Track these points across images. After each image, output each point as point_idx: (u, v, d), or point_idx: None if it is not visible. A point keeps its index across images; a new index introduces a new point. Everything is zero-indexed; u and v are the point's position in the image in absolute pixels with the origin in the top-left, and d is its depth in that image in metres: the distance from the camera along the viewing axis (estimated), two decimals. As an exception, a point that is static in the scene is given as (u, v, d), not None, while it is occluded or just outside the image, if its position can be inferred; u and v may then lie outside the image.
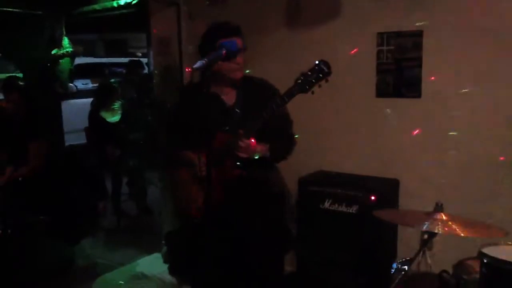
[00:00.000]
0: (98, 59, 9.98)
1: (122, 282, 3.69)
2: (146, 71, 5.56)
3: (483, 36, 2.75)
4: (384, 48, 3.07)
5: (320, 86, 2.16)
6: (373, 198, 2.83)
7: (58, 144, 5.04)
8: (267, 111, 2.21)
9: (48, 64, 5.02)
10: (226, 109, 2.43)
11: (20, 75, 5.34)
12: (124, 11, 4.59)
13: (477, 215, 2.20)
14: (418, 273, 2.37)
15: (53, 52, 5.03)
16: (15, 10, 4.72)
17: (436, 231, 1.84)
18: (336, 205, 2.97)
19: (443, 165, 2.93)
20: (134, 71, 5.54)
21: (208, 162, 2.30)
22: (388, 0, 3.02)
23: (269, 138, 2.34)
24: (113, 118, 5.10)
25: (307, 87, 2.15)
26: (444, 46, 2.87)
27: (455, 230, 1.84)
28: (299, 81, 2.16)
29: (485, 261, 1.77)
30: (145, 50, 9.42)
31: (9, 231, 3.00)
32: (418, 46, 2.94)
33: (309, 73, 2.15)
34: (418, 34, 2.94)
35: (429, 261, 2.24)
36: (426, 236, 1.90)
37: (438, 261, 2.26)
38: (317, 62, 2.16)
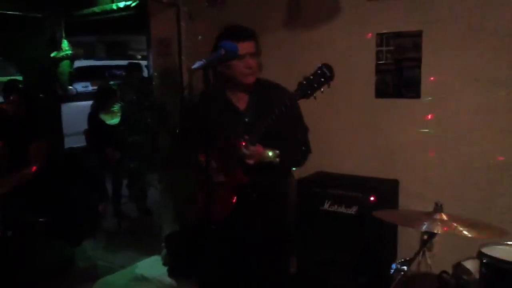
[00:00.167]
0: (98, 61, 10.00)
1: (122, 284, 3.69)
2: (145, 73, 5.56)
3: (482, 37, 2.74)
4: (384, 48, 3.07)
5: (322, 91, 2.11)
6: (372, 198, 2.82)
7: (58, 146, 5.04)
8: (270, 117, 2.18)
9: (48, 67, 5.03)
10: (237, 114, 2.40)
11: (20, 77, 5.35)
12: (123, 13, 4.61)
13: (476, 215, 2.20)
14: (418, 274, 2.37)
15: (53, 54, 5.05)
16: (15, 12, 4.73)
17: (435, 231, 1.83)
18: (336, 206, 2.96)
19: (443, 166, 2.93)
20: (133, 73, 5.53)
21: (218, 168, 2.31)
22: (387, 1, 3.02)
23: (278, 144, 2.29)
24: (113, 120, 5.10)
25: (309, 92, 2.10)
26: (443, 47, 2.87)
27: (455, 230, 1.83)
28: (301, 85, 2.12)
29: (484, 261, 1.76)
30: (145, 53, 9.44)
31: (9, 232, 2.99)
32: (418, 47, 2.94)
33: (311, 77, 2.10)
34: (417, 35, 2.93)
35: (429, 261, 2.24)
36: (425, 237, 1.90)
37: (438, 261, 2.25)
38: (319, 65, 2.10)
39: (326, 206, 2.99)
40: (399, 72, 3.03)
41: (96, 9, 4.73)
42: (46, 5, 4.86)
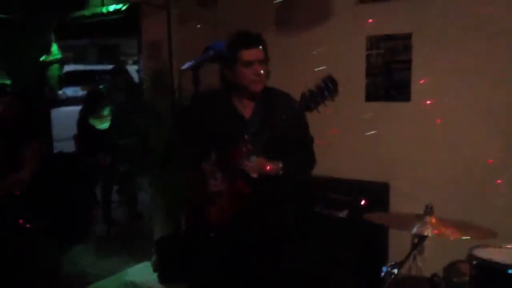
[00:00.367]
0: (88, 66, 9.97)
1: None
2: (135, 77, 5.51)
3: (472, 39, 2.75)
4: (374, 51, 3.07)
5: (326, 105, 2.05)
6: (363, 202, 2.82)
7: (47, 151, 4.99)
8: (271, 128, 2.14)
9: (37, 71, 4.99)
10: (242, 122, 2.35)
11: (9, 81, 5.29)
12: (114, 16, 4.58)
13: (467, 218, 2.19)
14: (409, 277, 2.36)
15: (42, 58, 5.00)
16: (3, 16, 4.69)
17: (426, 234, 1.83)
18: (327, 209, 2.95)
19: (434, 169, 2.93)
20: (116, 77, 5.46)
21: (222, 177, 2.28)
22: (377, 4, 3.03)
23: (284, 154, 2.25)
24: (103, 125, 5.06)
25: (312, 105, 2.04)
26: (433, 49, 2.87)
27: (445, 232, 1.83)
28: (304, 97, 2.06)
29: (474, 262, 1.75)
30: (136, 58, 9.41)
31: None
32: (408, 49, 2.95)
33: (315, 89, 2.04)
34: (407, 37, 2.94)
35: (420, 265, 2.23)
36: (416, 239, 1.89)
37: (429, 264, 2.25)
38: (323, 78, 2.04)
39: (317, 209, 2.98)
40: (389, 74, 3.03)
41: (86, 12, 4.70)
42: (35, 9, 4.83)
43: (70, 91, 8.51)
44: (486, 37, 2.71)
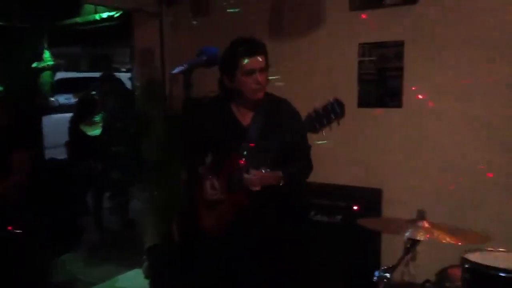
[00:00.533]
0: (80, 73, 9.93)
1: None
2: (123, 83, 5.48)
3: (463, 47, 2.78)
4: (366, 58, 3.09)
5: (331, 128, 1.99)
6: (356, 208, 2.82)
7: (38, 158, 4.95)
8: (277, 147, 2.10)
9: (29, 77, 4.97)
10: (241, 130, 2.31)
11: (0, 88, 5.26)
12: (107, 24, 4.59)
13: (459, 223, 2.20)
14: (402, 284, 2.36)
15: (34, 65, 4.99)
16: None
17: (418, 238, 1.83)
18: (320, 216, 2.95)
19: (426, 174, 2.94)
20: (107, 83, 5.44)
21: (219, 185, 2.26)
22: (369, 12, 3.05)
23: (284, 163, 2.21)
24: (94, 131, 5.03)
25: (318, 126, 1.97)
26: (425, 56, 2.90)
27: (438, 237, 1.83)
28: (310, 117, 1.99)
29: (467, 266, 1.76)
30: (129, 66, 9.40)
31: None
32: (400, 57, 2.97)
33: (321, 111, 1.97)
34: (399, 45, 2.97)
35: (412, 271, 2.23)
36: (409, 244, 1.89)
37: (422, 271, 2.25)
38: (331, 100, 1.97)
39: (310, 215, 2.97)
40: (381, 81, 3.05)
41: (79, 19, 4.71)
42: (28, 16, 4.82)
43: (62, 98, 8.47)
44: (478, 44, 2.74)
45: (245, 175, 2.15)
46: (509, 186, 2.70)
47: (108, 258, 4.47)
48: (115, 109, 4.88)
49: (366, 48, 3.09)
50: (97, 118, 5.02)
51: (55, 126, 6.27)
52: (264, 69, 2.23)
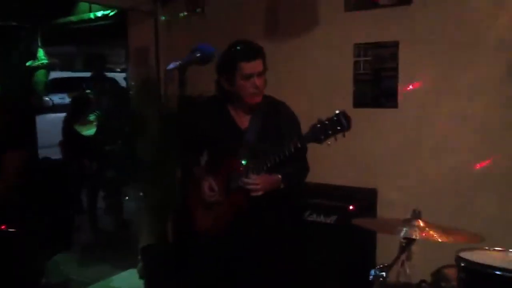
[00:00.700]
0: (75, 73, 9.89)
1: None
2: (117, 82, 5.45)
3: (457, 47, 2.79)
4: (361, 59, 3.10)
5: (336, 139, 1.99)
6: (351, 208, 2.82)
7: (32, 158, 4.91)
8: (278, 154, 2.09)
9: (23, 76, 4.94)
10: (239, 133, 2.30)
11: (-5, 87, 5.23)
12: (101, 22, 4.57)
13: (454, 224, 2.20)
14: (398, 284, 2.36)
15: (28, 63, 4.96)
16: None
17: (414, 237, 1.83)
18: (315, 216, 2.95)
19: (421, 174, 2.95)
20: (100, 82, 5.42)
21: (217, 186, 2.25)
22: (364, 12, 3.06)
23: (280, 166, 2.20)
24: (89, 131, 5.01)
25: (322, 137, 1.98)
26: (420, 57, 2.91)
27: (433, 236, 1.84)
28: (314, 128, 2.01)
29: (462, 265, 1.76)
30: (124, 65, 9.38)
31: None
32: (395, 57, 2.97)
33: (327, 122, 1.98)
34: (394, 45, 2.97)
35: (408, 271, 2.23)
36: (404, 243, 1.89)
37: (417, 271, 2.25)
38: (337, 112, 1.98)
39: (306, 215, 2.97)
40: (377, 82, 3.06)
41: (73, 18, 4.69)
42: (22, 14, 4.79)
43: (56, 98, 8.42)
44: (473, 46, 2.75)
45: (245, 180, 2.15)
46: (504, 186, 2.71)
47: (103, 258, 4.44)
48: (109, 108, 4.85)
49: (362, 49, 3.09)
50: (92, 117, 5.00)
51: (50, 125, 6.24)
52: (262, 73, 2.22)
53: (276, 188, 2.22)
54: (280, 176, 2.22)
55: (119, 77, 6.01)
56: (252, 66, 2.17)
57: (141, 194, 4.05)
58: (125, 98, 4.30)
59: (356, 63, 3.12)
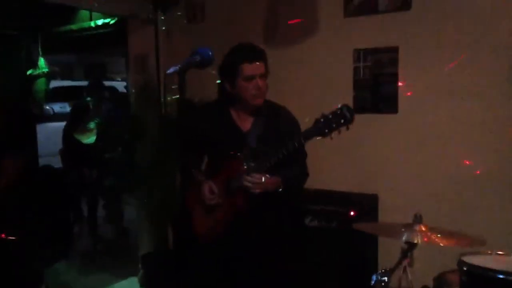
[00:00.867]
0: (75, 82, 9.93)
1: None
2: (116, 89, 5.46)
3: (456, 52, 2.80)
4: (361, 64, 3.10)
5: (340, 132, 2.01)
6: (352, 213, 2.81)
7: (31, 167, 4.91)
8: (281, 151, 2.09)
9: (23, 85, 4.95)
10: (240, 136, 2.30)
11: (-6, 94, 5.23)
12: (101, 31, 4.59)
13: (455, 228, 2.19)
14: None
15: (29, 72, 4.97)
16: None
17: (415, 241, 1.82)
18: (317, 222, 2.93)
19: (422, 179, 2.94)
20: (97, 90, 5.42)
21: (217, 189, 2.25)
22: (364, 18, 3.07)
23: (280, 169, 2.20)
24: (89, 139, 5.00)
25: (327, 131, 2.00)
26: (419, 62, 2.91)
27: (435, 240, 1.82)
28: (319, 123, 2.01)
29: (465, 269, 1.74)
30: (124, 74, 9.42)
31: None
32: (394, 62, 2.98)
33: (330, 116, 2.00)
34: (394, 51, 2.97)
35: (410, 277, 2.21)
36: (406, 248, 1.88)
37: (419, 276, 2.23)
38: (340, 106, 2.00)
39: (307, 221, 2.96)
40: (376, 87, 3.06)
41: (74, 26, 4.71)
42: (22, 23, 4.81)
43: (57, 107, 8.45)
44: (473, 51, 2.76)
45: (246, 177, 2.15)
46: (505, 190, 2.70)
47: (103, 267, 4.42)
48: (109, 115, 4.86)
49: (361, 54, 3.10)
50: (91, 125, 5.00)
51: (50, 134, 6.25)
52: (264, 75, 2.24)
53: (275, 189, 2.22)
54: (279, 178, 2.22)
55: (119, 86, 6.02)
56: (254, 68, 2.18)
57: (141, 201, 4.04)
58: (125, 105, 4.30)
59: (356, 69, 3.13)
